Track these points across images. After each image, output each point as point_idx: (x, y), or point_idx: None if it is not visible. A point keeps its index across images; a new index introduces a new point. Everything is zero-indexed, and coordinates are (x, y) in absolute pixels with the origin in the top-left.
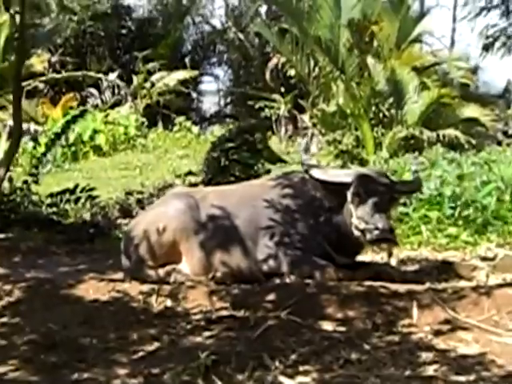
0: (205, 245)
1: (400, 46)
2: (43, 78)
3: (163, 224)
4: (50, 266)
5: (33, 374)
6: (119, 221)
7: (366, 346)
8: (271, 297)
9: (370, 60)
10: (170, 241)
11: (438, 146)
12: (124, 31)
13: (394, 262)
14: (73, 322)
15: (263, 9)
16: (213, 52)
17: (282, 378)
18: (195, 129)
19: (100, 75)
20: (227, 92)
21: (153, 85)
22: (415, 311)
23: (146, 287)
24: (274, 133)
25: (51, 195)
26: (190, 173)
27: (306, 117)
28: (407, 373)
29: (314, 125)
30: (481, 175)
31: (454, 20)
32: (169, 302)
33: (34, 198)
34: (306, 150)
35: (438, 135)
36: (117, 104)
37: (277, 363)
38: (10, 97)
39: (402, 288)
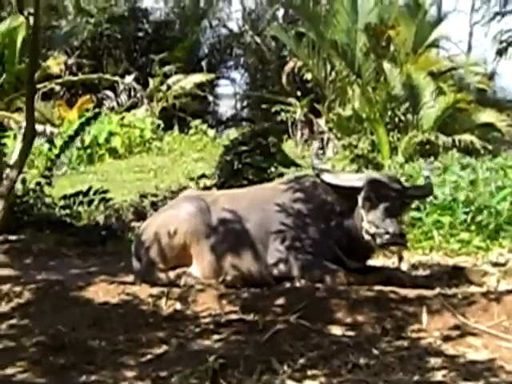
0: (215, 248)
1: (417, 51)
2: (59, 80)
3: (174, 227)
4: (61, 268)
5: (41, 376)
6: (133, 223)
7: (375, 351)
8: (280, 301)
9: (386, 64)
10: (180, 244)
11: (454, 151)
12: (141, 34)
13: (404, 266)
14: (82, 324)
15: (280, 12)
16: (229, 55)
17: (289, 382)
18: (211, 132)
19: (116, 78)
20: (244, 95)
21: (169, 88)
22: (425, 316)
23: (155, 290)
24: (290, 137)
25: (64, 197)
26: (203, 176)
27: (321, 121)
28: (416, 378)
29: (330, 129)
30: (496, 180)
31: (472, 25)
32: (178, 305)
33: (48, 199)
34: (317, 154)
35: (453, 140)
36: (133, 106)
37: (285, 367)
38: None
39: (411, 293)
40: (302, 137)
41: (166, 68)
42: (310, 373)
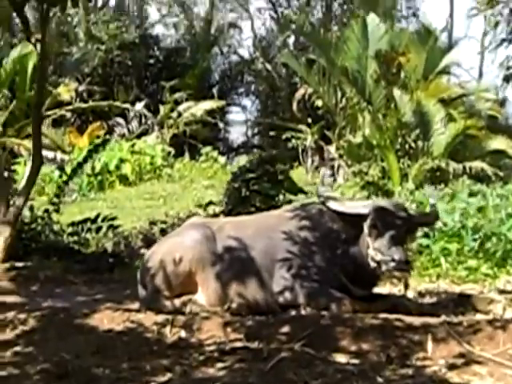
0: (221, 276)
1: (427, 78)
2: (70, 107)
3: (179, 254)
4: (68, 295)
5: None
6: (142, 250)
7: (380, 379)
8: (285, 329)
9: (396, 91)
10: (186, 271)
11: (465, 177)
12: (151, 61)
13: (411, 294)
14: (86, 352)
15: (291, 39)
16: (240, 82)
17: None
18: (222, 159)
19: (127, 105)
20: (254, 122)
21: (180, 115)
22: (430, 344)
23: (160, 318)
24: (301, 163)
25: (72, 224)
26: (210, 203)
27: (332, 148)
28: None
29: (341, 156)
30: (506, 207)
31: (482, 51)
32: (183, 333)
33: (56, 226)
34: (323, 181)
35: (464, 167)
36: (143, 133)
37: None
38: None
39: (417, 321)
40: (313, 163)
41: (177, 95)
42: None
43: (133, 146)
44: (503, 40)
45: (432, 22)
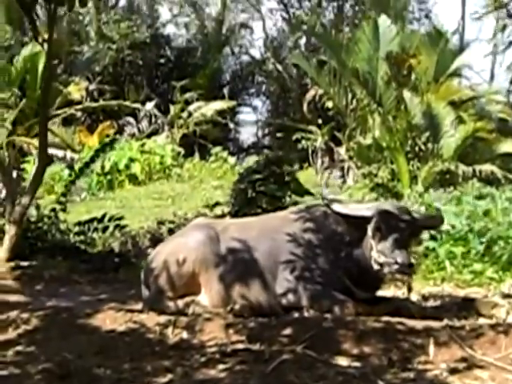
0: (224, 277)
1: (438, 80)
2: (80, 106)
3: (183, 255)
4: (72, 294)
5: None
6: (149, 250)
7: (381, 383)
8: (287, 331)
9: (406, 93)
10: (189, 272)
11: (474, 180)
12: (162, 60)
13: (415, 297)
14: (88, 352)
15: (302, 40)
16: (251, 83)
17: None
18: (232, 159)
19: (137, 105)
20: (265, 123)
21: (190, 115)
22: (432, 348)
23: (162, 318)
24: (311, 164)
25: (79, 223)
26: (217, 204)
27: (342, 149)
28: None
29: (350, 157)
30: None
31: (494, 54)
32: (185, 334)
33: (62, 226)
34: (327, 183)
35: (473, 170)
36: (153, 133)
37: None
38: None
39: (419, 324)
40: (323, 165)
41: (188, 95)
42: None
43: (143, 145)
44: (511, 43)
45: (444, 24)
